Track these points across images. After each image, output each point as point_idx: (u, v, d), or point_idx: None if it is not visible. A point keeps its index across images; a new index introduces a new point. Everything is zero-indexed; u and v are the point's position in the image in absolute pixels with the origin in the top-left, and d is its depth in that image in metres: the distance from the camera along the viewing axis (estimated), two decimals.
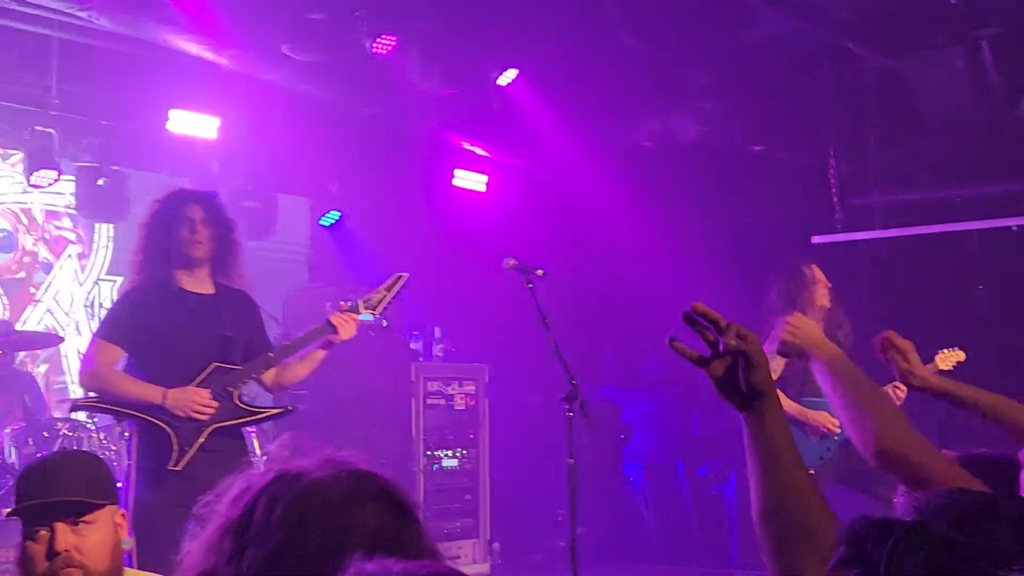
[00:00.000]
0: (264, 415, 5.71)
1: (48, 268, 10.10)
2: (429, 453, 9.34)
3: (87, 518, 3.16)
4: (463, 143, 10.56)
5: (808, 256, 7.70)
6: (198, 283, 5.50)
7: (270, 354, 5.54)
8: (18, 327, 9.02)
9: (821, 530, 2.05)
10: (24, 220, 10.00)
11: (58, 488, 3.16)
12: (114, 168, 9.23)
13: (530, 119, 10.14)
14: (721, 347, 2.18)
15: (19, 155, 9.33)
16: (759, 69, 9.39)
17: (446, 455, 9.46)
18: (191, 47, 8.36)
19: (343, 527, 1.60)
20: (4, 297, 9.76)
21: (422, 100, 9.50)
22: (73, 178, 9.17)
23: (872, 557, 1.46)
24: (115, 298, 5.87)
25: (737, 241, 10.44)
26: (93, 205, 9.34)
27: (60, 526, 3.12)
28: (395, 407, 9.20)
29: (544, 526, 9.96)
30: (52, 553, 3.10)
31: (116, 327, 5.44)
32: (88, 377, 5.42)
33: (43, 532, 3.12)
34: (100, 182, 9.17)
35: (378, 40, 8.59)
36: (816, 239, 9.97)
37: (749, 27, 8.95)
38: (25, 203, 9.93)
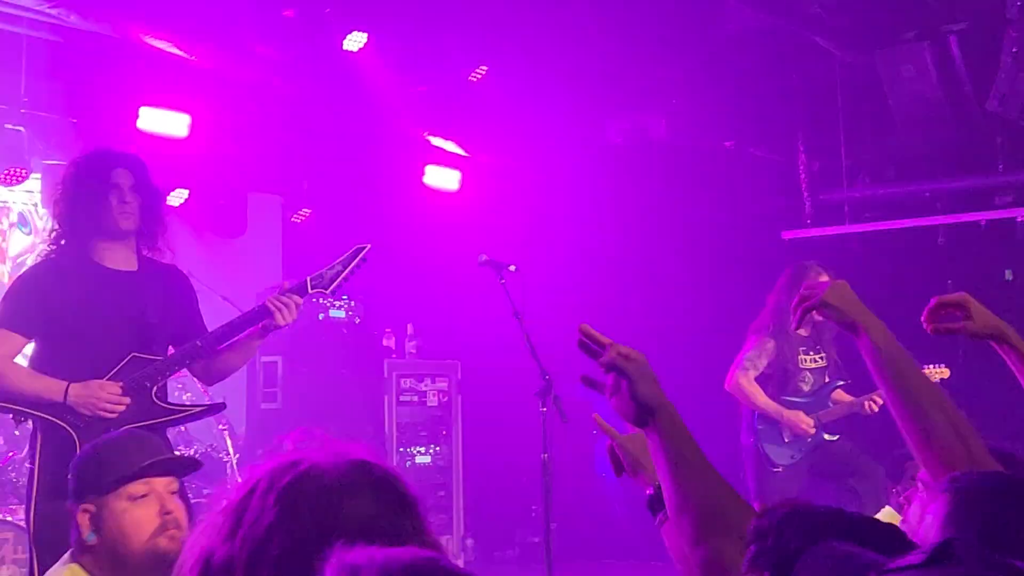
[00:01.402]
0: (184, 414, 4.90)
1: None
2: (402, 450, 9.35)
3: (175, 486, 3.28)
4: (435, 140, 10.56)
5: (778, 251, 7.75)
6: (119, 259, 4.79)
7: (197, 342, 4.78)
8: None
9: (736, 519, 2.13)
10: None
11: (158, 452, 3.28)
12: None
13: (501, 116, 10.16)
14: (603, 365, 2.27)
15: None
16: (729, 65, 9.43)
17: (419, 451, 9.48)
18: (162, 44, 8.34)
19: (335, 513, 1.62)
20: None
21: (394, 97, 9.50)
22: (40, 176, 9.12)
23: (778, 552, 1.51)
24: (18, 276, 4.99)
25: (708, 237, 10.48)
26: None
27: (161, 489, 3.23)
28: (368, 404, 9.21)
29: (518, 522, 10.00)
30: (166, 511, 3.19)
31: (17, 312, 4.68)
32: None
33: (148, 495, 3.20)
34: None
35: (349, 36, 8.59)
36: (786, 234, 10.03)
37: (719, 23, 8.99)
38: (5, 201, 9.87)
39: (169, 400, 4.85)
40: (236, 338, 4.87)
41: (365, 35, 8.61)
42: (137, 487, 3.21)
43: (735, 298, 8.64)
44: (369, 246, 5.18)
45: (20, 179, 8.65)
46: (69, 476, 3.33)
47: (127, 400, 4.56)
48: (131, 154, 4.93)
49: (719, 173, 10.55)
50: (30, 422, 4.65)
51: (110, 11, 7.91)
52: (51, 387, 4.53)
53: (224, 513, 1.71)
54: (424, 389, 9.56)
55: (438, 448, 9.56)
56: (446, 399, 9.70)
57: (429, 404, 9.59)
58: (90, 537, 3.20)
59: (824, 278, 7.15)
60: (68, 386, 4.52)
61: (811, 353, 7.25)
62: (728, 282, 9.74)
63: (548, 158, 10.52)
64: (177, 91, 9.08)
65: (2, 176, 8.55)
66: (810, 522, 1.61)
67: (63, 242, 4.75)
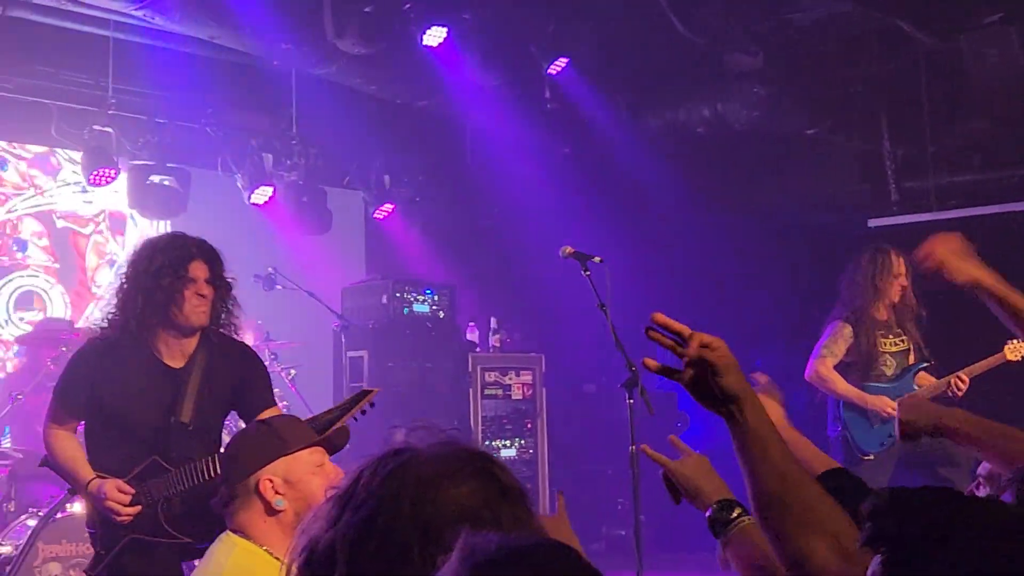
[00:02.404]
0: (179, 541, 4.57)
1: (112, 263, 10.21)
2: (487, 443, 9.37)
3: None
4: (514, 133, 10.56)
5: (866, 240, 7.66)
6: (177, 353, 4.69)
7: (203, 458, 4.59)
8: (80, 324, 9.12)
9: (823, 516, 2.10)
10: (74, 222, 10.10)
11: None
12: (170, 165, 9.33)
13: (581, 108, 10.14)
14: (686, 357, 2.22)
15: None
16: (811, 52, 9.35)
17: (504, 445, 9.50)
18: (245, 43, 8.43)
19: (434, 501, 1.64)
20: (67, 295, 9.87)
21: (473, 91, 9.53)
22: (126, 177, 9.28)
23: (895, 532, 1.49)
24: (89, 340, 4.81)
25: (793, 226, 10.39)
26: (147, 203, 9.44)
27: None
28: (453, 397, 9.24)
29: (604, 515, 9.97)
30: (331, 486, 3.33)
31: (67, 393, 4.67)
32: (43, 434, 4.75)
33: (323, 465, 3.37)
34: (156, 179, 9.28)
35: (428, 31, 8.63)
36: (872, 222, 9.91)
37: (802, 9, 8.91)
38: (80, 204, 10.04)
39: (172, 516, 4.60)
40: None
41: (444, 30, 8.64)
42: (316, 455, 3.39)
43: (822, 287, 8.55)
44: (377, 391, 4.82)
45: (109, 180, 8.80)
46: (235, 455, 3.41)
47: (132, 511, 4.49)
48: (206, 243, 4.75)
49: (802, 162, 10.45)
50: None
51: (192, 12, 8.00)
52: (79, 474, 4.56)
53: (331, 501, 1.74)
54: (508, 382, 9.58)
55: (523, 441, 9.58)
56: (530, 392, 9.70)
57: (514, 397, 9.60)
58: (279, 503, 3.29)
59: (900, 262, 7.08)
60: (90, 480, 4.52)
61: (891, 336, 7.16)
62: (814, 271, 9.65)
63: (629, 150, 10.47)
64: (260, 89, 9.19)
65: (92, 177, 8.71)
66: (929, 501, 1.59)
67: (124, 325, 4.64)
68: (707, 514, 2.58)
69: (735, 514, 2.50)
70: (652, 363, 2.25)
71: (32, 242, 9.70)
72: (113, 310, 4.68)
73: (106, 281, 10.02)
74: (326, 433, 3.92)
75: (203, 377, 4.70)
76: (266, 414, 4.72)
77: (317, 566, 1.71)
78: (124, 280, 4.70)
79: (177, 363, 4.69)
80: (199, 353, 4.71)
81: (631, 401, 6.21)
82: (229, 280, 4.76)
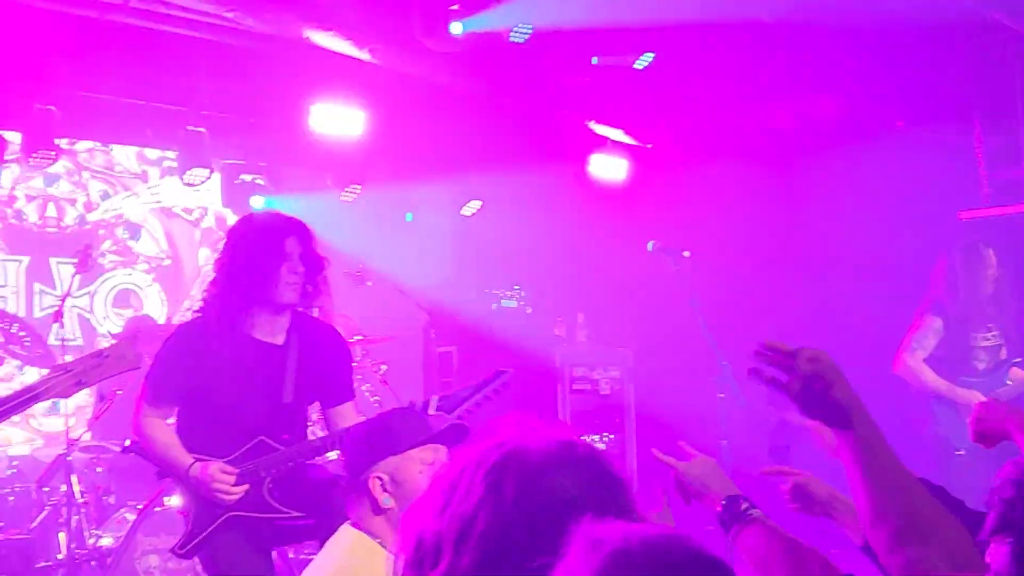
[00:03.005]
0: (286, 517, 4.68)
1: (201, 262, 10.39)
2: None
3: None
4: (600, 128, 10.55)
5: (955, 231, 7.56)
6: (271, 330, 4.73)
7: (322, 438, 4.75)
8: (172, 321, 9.30)
9: (935, 525, 2.09)
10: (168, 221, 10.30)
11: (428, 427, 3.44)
12: (261, 164, 9.46)
13: (667, 102, 10.11)
14: (796, 373, 2.22)
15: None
16: (900, 42, 9.22)
17: (592, 440, 9.49)
18: (333, 43, 8.51)
19: (539, 491, 1.65)
20: (163, 293, 10.06)
21: (559, 86, 9.53)
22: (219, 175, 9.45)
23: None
24: (179, 326, 4.90)
25: (882, 218, 10.27)
26: (240, 201, 9.58)
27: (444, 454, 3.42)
28: (541, 392, 9.25)
29: (693, 510, 9.93)
30: None
31: (161, 381, 4.71)
32: (134, 422, 4.80)
33: (434, 463, 3.38)
34: (247, 178, 9.42)
35: (515, 28, 8.64)
36: (963, 214, 9.76)
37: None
38: (175, 204, 10.21)
39: (280, 493, 4.69)
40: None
41: (531, 25, 8.65)
42: (427, 453, 3.40)
43: (912, 280, 8.45)
44: (511, 372, 4.92)
45: (203, 179, 8.95)
46: (350, 451, 3.47)
47: (238, 491, 4.55)
48: (300, 222, 4.80)
49: (891, 154, 10.32)
50: None
51: (284, 12, 8.10)
52: (179, 460, 4.60)
53: (436, 491, 1.77)
54: (596, 377, 9.57)
55: (611, 436, 9.56)
56: (618, 387, 9.68)
57: (602, 392, 9.58)
58: (386, 501, 3.35)
59: (991, 255, 6.99)
60: (191, 465, 4.56)
61: (983, 331, 7.06)
62: (904, 263, 9.53)
63: (715, 143, 10.42)
64: (349, 89, 9.27)
65: (187, 176, 8.85)
66: None
67: (220, 305, 4.68)
68: (717, 511, 2.63)
69: (743, 508, 2.58)
70: (758, 372, 2.27)
71: (147, 230, 9.92)
72: (207, 292, 4.72)
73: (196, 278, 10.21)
74: (453, 413, 4.36)
75: (299, 356, 4.73)
76: (342, 409, 4.80)
77: (424, 557, 1.74)
78: (220, 258, 4.74)
79: (276, 339, 4.71)
80: (293, 332, 4.74)
81: (722, 396, 6.19)
82: (322, 258, 4.77)
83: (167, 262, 10.11)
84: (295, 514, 4.68)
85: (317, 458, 4.90)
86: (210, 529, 4.57)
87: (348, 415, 4.80)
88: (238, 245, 4.69)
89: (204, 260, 10.27)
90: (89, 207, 9.75)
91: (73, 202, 9.69)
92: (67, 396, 3.72)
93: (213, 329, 4.63)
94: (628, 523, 1.49)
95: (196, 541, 4.60)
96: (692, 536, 1.47)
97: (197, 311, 4.76)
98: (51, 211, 9.56)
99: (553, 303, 9.83)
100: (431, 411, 4.59)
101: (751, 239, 10.61)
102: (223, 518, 4.57)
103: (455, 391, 4.65)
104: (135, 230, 9.99)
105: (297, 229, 4.74)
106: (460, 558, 1.67)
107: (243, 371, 4.64)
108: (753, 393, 6.38)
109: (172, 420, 4.82)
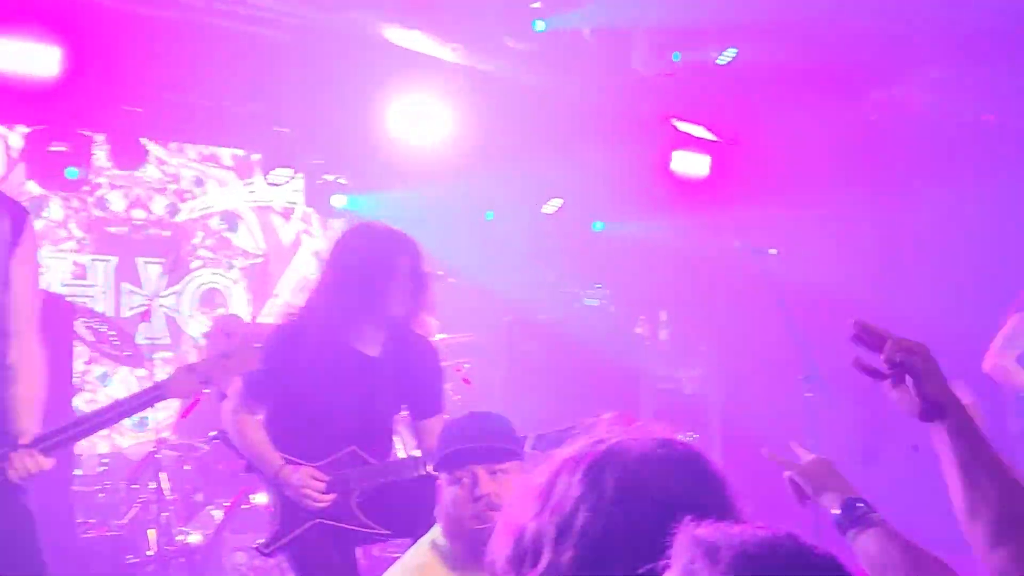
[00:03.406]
0: (373, 532, 4.73)
1: (284, 263, 10.49)
2: None
3: (504, 466, 3.38)
4: (682, 125, 10.49)
5: None
6: (371, 342, 4.73)
7: (414, 456, 4.75)
8: (257, 320, 9.40)
9: None
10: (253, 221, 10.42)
11: (478, 437, 3.39)
12: (344, 164, 9.53)
13: (751, 97, 10.02)
14: (885, 360, 2.19)
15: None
16: (988, 34, 9.06)
17: (676, 438, 9.45)
18: (415, 42, 8.55)
19: (639, 487, 1.65)
20: (248, 292, 10.17)
21: (641, 83, 9.49)
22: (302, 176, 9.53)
23: None
24: (280, 326, 4.86)
25: (970, 214, 10.11)
26: (323, 201, 9.66)
27: (481, 472, 3.34)
28: (624, 391, 9.21)
29: (778, 509, 9.84)
30: (475, 497, 3.32)
31: (261, 379, 4.62)
32: (223, 413, 4.82)
33: (465, 479, 3.34)
34: (329, 178, 9.50)
35: (594, 25, 8.63)
36: None
37: None
38: (264, 202, 10.32)
39: (368, 506, 4.70)
40: None
41: (614, 22, 8.64)
42: (456, 471, 3.39)
43: (1004, 277, 8.30)
44: (610, 416, 4.68)
45: (287, 179, 9.04)
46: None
47: (327, 499, 4.57)
48: (411, 238, 4.78)
49: (980, 147, 10.16)
50: None
51: (366, 11, 8.15)
52: (270, 460, 4.63)
53: (535, 490, 1.76)
54: (679, 376, 9.52)
55: (695, 436, 9.47)
56: (702, 386, 9.63)
57: (685, 391, 9.54)
58: (437, 511, 3.42)
59: None
60: (282, 467, 4.59)
61: None
62: (993, 261, 9.37)
63: (801, 138, 10.31)
64: (431, 88, 9.31)
65: (271, 176, 8.95)
66: None
67: (325, 313, 4.67)
68: (834, 512, 2.56)
69: (860, 511, 2.49)
70: (859, 363, 2.24)
71: (245, 224, 10.06)
72: (311, 298, 4.74)
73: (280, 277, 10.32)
74: (546, 451, 4.02)
75: (394, 368, 4.75)
76: (432, 423, 4.78)
77: (524, 555, 1.73)
78: (330, 267, 4.76)
79: (373, 351, 4.73)
80: (389, 344, 4.75)
81: (809, 395, 6.12)
82: (429, 275, 4.81)
83: (259, 259, 10.23)
84: (383, 531, 4.73)
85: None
86: (297, 532, 4.60)
87: (437, 429, 4.76)
88: (350, 257, 4.70)
89: (293, 259, 10.38)
90: (175, 208, 9.88)
91: (162, 196, 9.83)
92: (190, 396, 3.82)
93: (314, 336, 4.64)
94: (735, 524, 1.46)
95: (283, 542, 4.63)
96: (803, 538, 1.44)
97: (297, 314, 4.79)
98: (139, 213, 9.70)
99: (636, 301, 9.79)
100: (528, 448, 4.46)
101: (839, 236, 10.49)
102: (309, 523, 4.60)
103: (551, 431, 4.53)
104: (233, 221, 10.12)
105: (408, 246, 4.75)
106: (559, 556, 1.67)
107: (339, 380, 4.65)
108: (841, 393, 6.33)
109: (259, 417, 4.85)
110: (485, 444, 3.38)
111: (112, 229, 9.54)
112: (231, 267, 10.10)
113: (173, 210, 9.87)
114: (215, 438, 4.99)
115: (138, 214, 9.68)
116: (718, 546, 1.38)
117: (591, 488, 1.68)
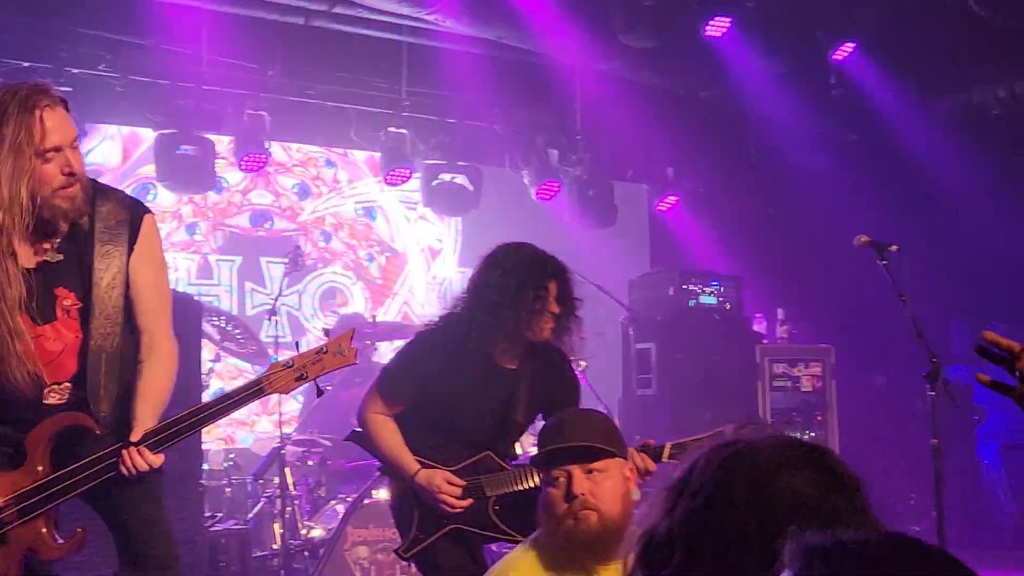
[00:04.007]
0: (509, 538, 4.75)
1: (401, 263, 10.61)
2: None
3: (598, 465, 3.39)
4: (798, 121, 10.40)
5: None
6: (510, 357, 4.78)
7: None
8: (378, 319, 9.52)
9: None
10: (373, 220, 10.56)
11: (573, 436, 3.42)
12: (461, 164, 9.63)
13: (868, 93, 9.91)
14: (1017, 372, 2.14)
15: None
16: None
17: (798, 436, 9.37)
18: (531, 42, 8.61)
19: (771, 488, 1.65)
20: (366, 291, 10.32)
21: (756, 80, 9.44)
22: (419, 175, 9.65)
23: None
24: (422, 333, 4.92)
25: None
26: (441, 201, 9.77)
27: (576, 471, 3.36)
28: (740, 389, 9.17)
29: (897, 510, 9.71)
30: (570, 496, 3.35)
31: (399, 381, 4.76)
32: (359, 414, 4.86)
33: (561, 478, 3.37)
34: (447, 177, 9.60)
35: (711, 22, 8.61)
36: None
37: None
38: (381, 202, 10.46)
39: (505, 514, 4.72)
40: None
41: (728, 19, 8.60)
42: (552, 471, 3.42)
43: None
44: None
45: (404, 179, 9.17)
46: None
47: (463, 504, 4.60)
48: (562, 264, 4.76)
49: None
50: None
51: (481, 14, 8.22)
52: (406, 464, 4.64)
53: (667, 490, 1.78)
54: (797, 374, 9.42)
55: (813, 434, 9.41)
56: (820, 384, 9.51)
57: (803, 389, 9.44)
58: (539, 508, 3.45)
59: None
60: (418, 471, 4.61)
61: None
62: None
63: (919, 133, 10.16)
64: (546, 87, 9.37)
65: (388, 177, 9.09)
66: None
67: (473, 328, 4.67)
68: None
69: None
70: (984, 378, 2.21)
71: (363, 224, 10.20)
72: (460, 310, 4.75)
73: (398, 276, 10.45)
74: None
75: (532, 380, 4.79)
76: None
77: (655, 554, 1.75)
78: (481, 284, 4.76)
79: (512, 364, 4.77)
80: (529, 357, 4.79)
81: (932, 394, 6.02)
82: (576, 300, 4.78)
83: (383, 256, 10.38)
84: (519, 536, 4.60)
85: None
86: (434, 537, 4.65)
87: None
88: (500, 278, 4.69)
89: (410, 259, 10.50)
90: (296, 209, 10.06)
91: (284, 196, 10.01)
92: (287, 392, 3.85)
93: (457, 347, 4.67)
94: (848, 530, 1.47)
95: (421, 546, 4.66)
96: (925, 542, 1.44)
97: (441, 324, 4.81)
98: (262, 214, 9.89)
99: (753, 298, 9.73)
100: (664, 459, 4.54)
101: (966, 232, 10.31)
102: (447, 528, 4.64)
103: (688, 440, 4.55)
104: (351, 221, 10.28)
105: (558, 272, 4.73)
106: (692, 556, 1.68)
107: (477, 389, 4.71)
108: (959, 392, 6.24)
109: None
110: (582, 443, 3.40)
111: (236, 229, 9.75)
112: (350, 266, 10.25)
113: (294, 211, 10.04)
114: (349, 439, 5.05)
115: (261, 215, 9.88)
116: (835, 553, 1.39)
117: (723, 489, 1.69)
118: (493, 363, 4.74)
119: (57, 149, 3.61)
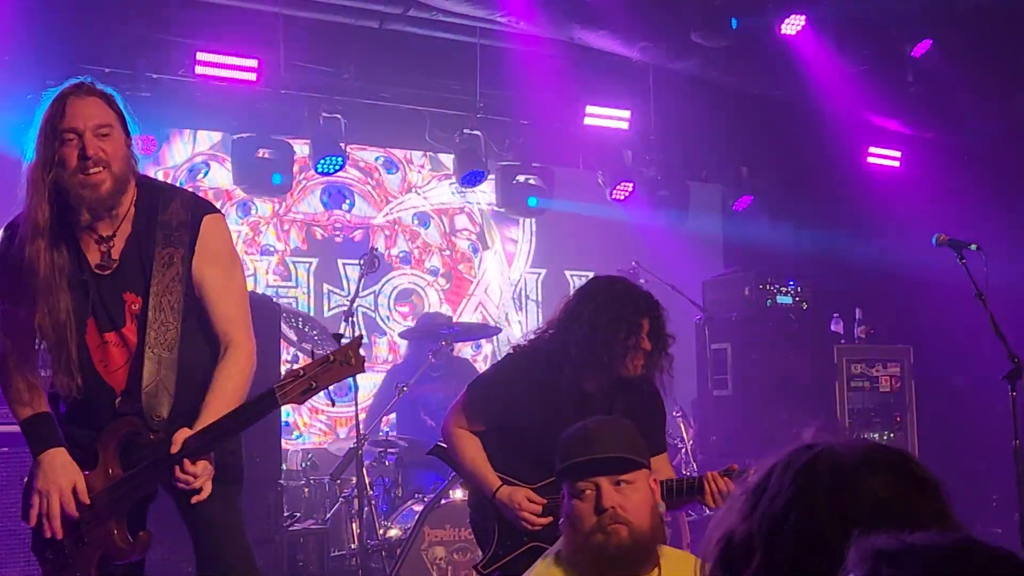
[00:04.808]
0: None
1: (476, 264, 10.66)
2: (854, 436, 9.17)
3: (627, 477, 3.32)
4: (876, 119, 10.30)
5: None
6: (596, 385, 4.75)
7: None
8: (455, 319, 9.58)
9: None
10: (447, 222, 10.61)
11: (601, 447, 3.34)
12: (535, 165, 9.65)
13: (946, 90, 9.79)
14: None
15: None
16: None
17: (872, 438, 9.28)
18: (603, 43, 8.61)
19: (851, 491, 1.65)
20: (441, 292, 10.37)
21: (832, 78, 9.36)
22: (493, 177, 9.69)
23: None
24: (513, 352, 4.98)
25: None
26: (515, 202, 9.80)
27: (604, 483, 3.29)
28: (819, 390, 9.10)
29: (978, 512, 9.59)
30: (599, 509, 3.27)
31: (486, 400, 4.79)
32: (444, 427, 4.89)
33: (588, 491, 3.30)
34: (521, 179, 9.64)
35: (787, 20, 8.55)
36: None
37: None
38: (454, 204, 10.51)
39: None
40: None
41: (803, 17, 8.55)
42: (578, 483, 3.34)
43: None
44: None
45: (479, 181, 9.21)
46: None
47: (543, 522, 4.58)
48: (656, 300, 4.74)
49: None
50: None
51: (553, 15, 8.24)
52: (489, 480, 4.66)
53: (745, 493, 1.78)
54: (875, 374, 9.33)
55: (892, 435, 9.32)
56: (899, 384, 9.42)
57: (881, 389, 9.34)
58: (561, 521, 3.40)
59: None
60: (500, 487, 4.64)
61: None
62: None
63: (997, 130, 10.02)
64: (618, 87, 9.36)
65: (463, 179, 9.13)
66: None
67: (566, 358, 4.66)
68: None
69: None
70: None
71: (436, 225, 10.26)
72: (555, 336, 4.74)
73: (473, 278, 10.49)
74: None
75: (614, 404, 4.74)
76: (655, 461, 4.73)
77: (734, 557, 1.75)
78: (570, 318, 4.73)
79: (597, 389, 4.73)
80: (619, 388, 4.74)
81: (1014, 394, 5.95)
82: (669, 336, 4.73)
83: (450, 259, 10.42)
84: None
85: None
86: (514, 554, 4.66)
87: (659, 467, 4.64)
88: (595, 311, 4.66)
89: (485, 260, 10.54)
90: (373, 210, 10.13)
91: (360, 199, 10.08)
92: (300, 403, 3.81)
93: (546, 372, 4.69)
94: (905, 532, 1.46)
95: (500, 563, 4.69)
96: (986, 543, 1.43)
97: (530, 347, 4.84)
98: (338, 215, 9.97)
99: (830, 298, 9.64)
100: (732, 478, 4.47)
101: None
102: (527, 545, 4.64)
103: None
104: (426, 222, 10.34)
105: (652, 308, 4.70)
106: (772, 558, 1.69)
107: (563, 413, 4.60)
108: None
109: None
110: (609, 454, 3.33)
111: (314, 231, 9.84)
112: (426, 267, 10.31)
113: (371, 212, 10.12)
114: (432, 453, 5.07)
115: (338, 216, 9.96)
116: (901, 556, 1.39)
117: (804, 492, 1.69)
118: (582, 392, 4.71)
119: (74, 131, 3.63)
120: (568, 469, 3.36)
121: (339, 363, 3.68)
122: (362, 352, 3.72)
